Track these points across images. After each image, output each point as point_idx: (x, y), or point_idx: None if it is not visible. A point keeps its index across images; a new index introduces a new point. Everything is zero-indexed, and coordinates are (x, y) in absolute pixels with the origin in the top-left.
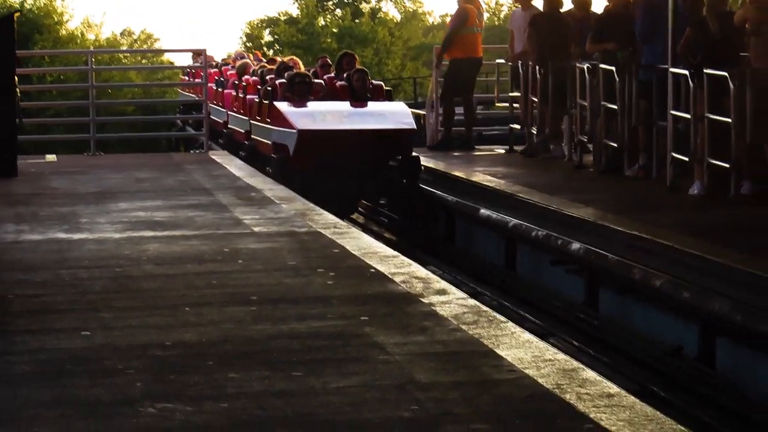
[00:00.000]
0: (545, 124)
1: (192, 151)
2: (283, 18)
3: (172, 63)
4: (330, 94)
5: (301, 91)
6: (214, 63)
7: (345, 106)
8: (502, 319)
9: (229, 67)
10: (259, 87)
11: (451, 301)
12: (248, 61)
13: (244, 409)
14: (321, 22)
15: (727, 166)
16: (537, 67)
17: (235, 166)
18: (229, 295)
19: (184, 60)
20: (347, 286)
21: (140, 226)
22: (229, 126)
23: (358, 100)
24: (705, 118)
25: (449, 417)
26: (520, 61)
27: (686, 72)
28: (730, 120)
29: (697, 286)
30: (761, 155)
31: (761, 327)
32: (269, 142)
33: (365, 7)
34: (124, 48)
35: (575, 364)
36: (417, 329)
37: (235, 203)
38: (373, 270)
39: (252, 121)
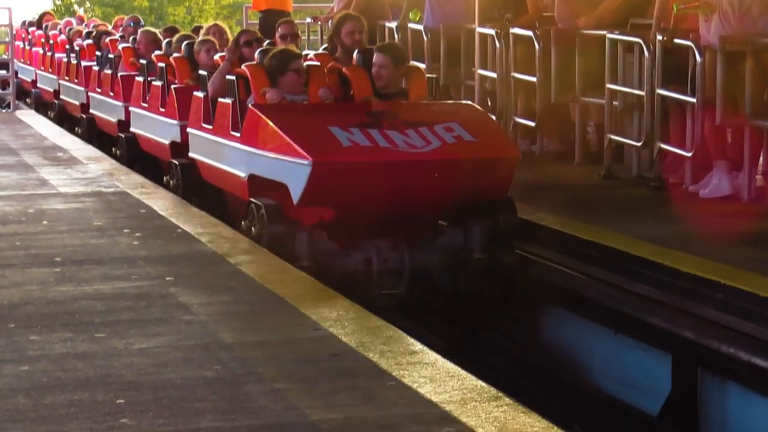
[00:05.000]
0: None
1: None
2: None
3: None
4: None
5: (291, 85)
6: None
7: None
8: (308, 277)
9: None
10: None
11: (257, 260)
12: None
13: (45, 372)
14: None
15: (533, 124)
16: None
17: (42, 126)
18: (33, 257)
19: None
20: (153, 246)
21: None
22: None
23: (386, 97)
24: (512, 77)
25: (253, 376)
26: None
27: (492, 32)
28: (535, 79)
29: None
30: (565, 114)
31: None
32: (237, 173)
33: None
34: None
35: (379, 322)
36: (222, 289)
37: (42, 163)
38: (179, 230)
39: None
